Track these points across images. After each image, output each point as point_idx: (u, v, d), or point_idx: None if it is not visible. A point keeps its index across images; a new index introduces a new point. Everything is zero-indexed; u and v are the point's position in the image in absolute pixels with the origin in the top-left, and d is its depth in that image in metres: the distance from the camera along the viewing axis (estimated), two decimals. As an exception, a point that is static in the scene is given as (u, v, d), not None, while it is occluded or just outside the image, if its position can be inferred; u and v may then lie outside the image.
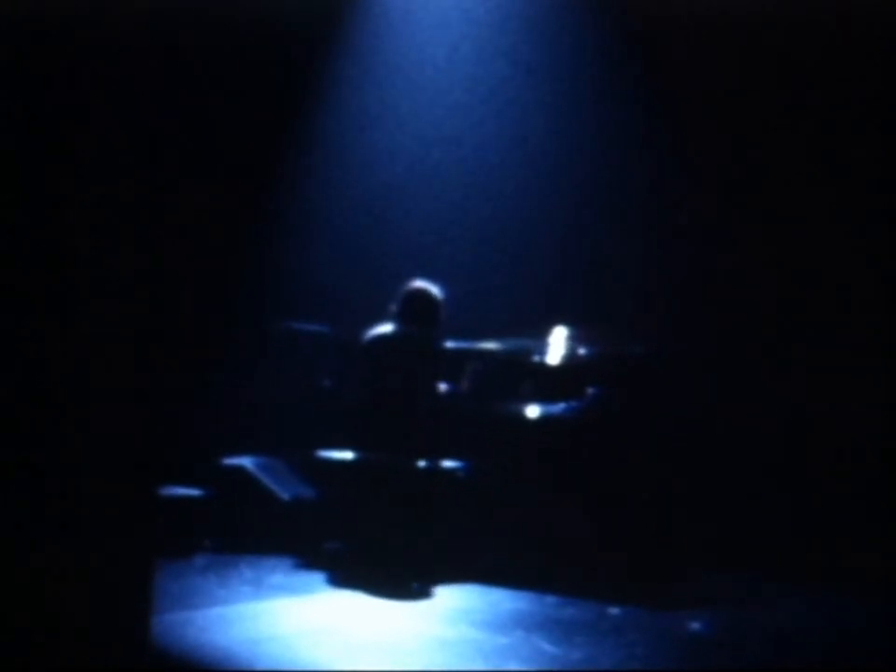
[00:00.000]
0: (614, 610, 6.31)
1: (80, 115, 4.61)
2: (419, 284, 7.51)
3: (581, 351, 7.74)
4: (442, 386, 7.54)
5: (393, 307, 7.46)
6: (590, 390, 7.44)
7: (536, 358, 7.71)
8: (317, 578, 6.90)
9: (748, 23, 8.10)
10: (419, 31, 9.14)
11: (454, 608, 6.35)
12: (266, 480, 7.77)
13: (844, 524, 7.44)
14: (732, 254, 8.43)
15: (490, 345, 7.92)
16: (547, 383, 7.60)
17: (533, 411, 7.45)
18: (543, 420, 7.38)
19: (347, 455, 7.35)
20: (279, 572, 6.99)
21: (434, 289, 7.49)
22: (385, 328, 7.48)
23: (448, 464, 7.32)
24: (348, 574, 6.95)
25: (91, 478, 4.52)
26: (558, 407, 7.41)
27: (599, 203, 8.96)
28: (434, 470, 7.24)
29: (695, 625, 6.07)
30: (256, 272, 8.62)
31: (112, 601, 4.57)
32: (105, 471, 4.58)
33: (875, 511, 7.47)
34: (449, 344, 7.79)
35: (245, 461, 7.89)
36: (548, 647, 5.55)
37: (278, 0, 7.90)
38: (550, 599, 6.52)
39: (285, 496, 7.71)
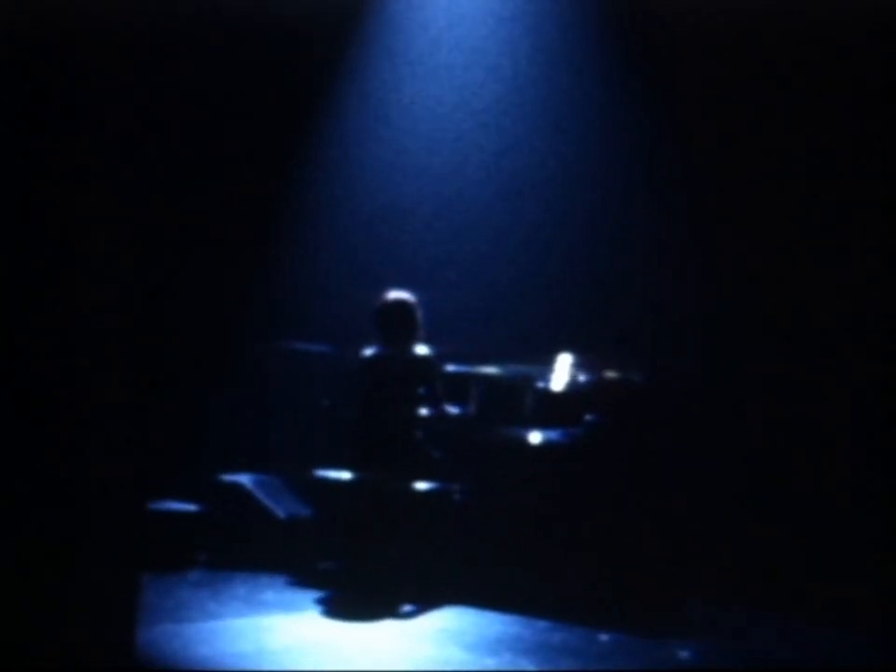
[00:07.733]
0: (604, 637, 6.31)
1: (83, 123, 4.65)
2: (390, 296, 7.44)
3: (581, 378, 7.76)
4: (452, 409, 7.55)
5: (373, 324, 7.41)
6: (587, 417, 7.46)
7: (537, 384, 7.72)
8: (310, 596, 6.91)
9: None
10: (424, 58, 9.15)
11: (443, 629, 6.36)
12: (263, 497, 7.79)
13: (837, 555, 7.41)
14: (741, 284, 8.41)
15: (492, 370, 7.93)
16: (546, 409, 7.62)
17: (531, 436, 7.46)
18: (539, 445, 7.40)
19: (344, 474, 7.38)
20: (272, 589, 7.01)
21: (405, 296, 7.43)
22: (372, 349, 7.50)
23: (443, 486, 7.33)
24: (340, 593, 6.98)
25: (80, 488, 4.56)
26: (555, 433, 7.43)
27: (612, 229, 8.91)
28: (429, 492, 7.26)
29: (684, 654, 6.07)
30: (257, 290, 8.65)
31: (98, 610, 4.61)
32: (95, 482, 4.62)
33: (868, 542, 7.44)
34: (452, 368, 7.82)
35: (243, 478, 7.92)
36: (535, 671, 5.57)
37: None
38: (540, 624, 6.51)
39: (281, 513, 7.73)
